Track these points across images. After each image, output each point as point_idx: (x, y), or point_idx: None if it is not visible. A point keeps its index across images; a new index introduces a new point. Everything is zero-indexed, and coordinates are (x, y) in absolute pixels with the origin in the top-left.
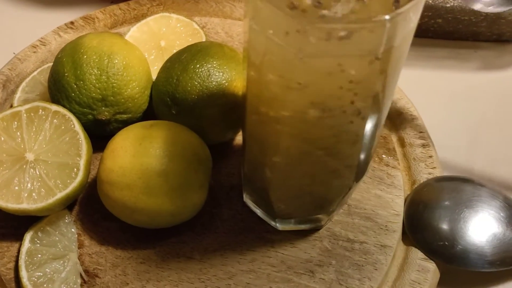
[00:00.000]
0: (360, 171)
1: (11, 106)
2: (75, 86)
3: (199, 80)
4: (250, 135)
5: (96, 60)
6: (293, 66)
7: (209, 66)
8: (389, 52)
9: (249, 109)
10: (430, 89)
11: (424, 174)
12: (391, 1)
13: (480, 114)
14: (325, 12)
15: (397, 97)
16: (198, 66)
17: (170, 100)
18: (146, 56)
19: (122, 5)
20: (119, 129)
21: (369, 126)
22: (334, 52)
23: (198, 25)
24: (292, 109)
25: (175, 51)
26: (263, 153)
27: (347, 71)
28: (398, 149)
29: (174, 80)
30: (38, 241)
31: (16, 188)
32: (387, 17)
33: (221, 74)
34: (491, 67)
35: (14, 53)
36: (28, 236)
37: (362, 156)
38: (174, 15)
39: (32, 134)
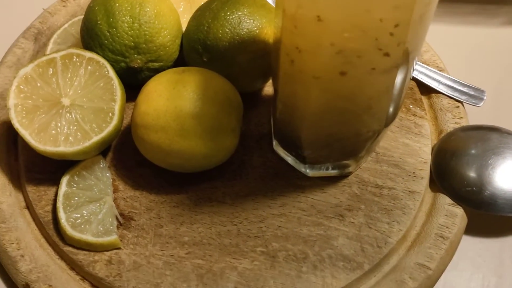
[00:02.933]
0: (389, 118)
1: None
2: (108, 33)
3: (230, 27)
4: (282, 82)
5: (128, 8)
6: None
7: (240, 13)
8: None
9: (282, 57)
10: (456, 44)
11: (451, 124)
12: None
13: (505, 67)
14: None
15: (423, 49)
16: (229, 13)
17: (201, 48)
18: (175, 7)
19: None
20: (150, 77)
21: (400, 75)
22: None
23: None
24: (324, 52)
25: (202, 3)
26: (295, 102)
27: (384, 10)
28: (424, 100)
29: (205, 28)
30: (75, 185)
31: (53, 131)
32: None
33: (252, 21)
34: None
35: (43, 9)
36: (64, 180)
37: (391, 106)
38: None
39: (67, 80)
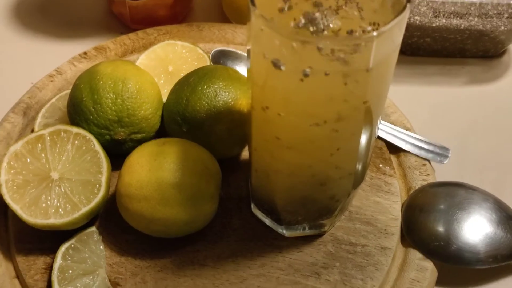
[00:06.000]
0: (357, 179)
1: (32, 131)
2: (93, 109)
3: (207, 100)
4: (255, 150)
5: (112, 85)
6: (293, 86)
7: (216, 87)
8: (378, 65)
9: (254, 126)
10: (422, 103)
11: (418, 181)
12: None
13: (468, 125)
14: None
15: (391, 111)
16: (205, 87)
17: (181, 119)
18: (156, 80)
19: (131, 35)
20: (134, 148)
21: (364, 137)
22: (330, 68)
23: (203, 50)
24: (292, 127)
25: (182, 75)
26: (268, 168)
27: (342, 84)
28: (393, 159)
29: (184, 101)
30: (69, 258)
31: (44, 205)
32: (375, 33)
33: (227, 93)
34: (478, 82)
35: (32, 83)
36: (59, 253)
37: (358, 166)
38: (179, 42)
39: (56, 155)
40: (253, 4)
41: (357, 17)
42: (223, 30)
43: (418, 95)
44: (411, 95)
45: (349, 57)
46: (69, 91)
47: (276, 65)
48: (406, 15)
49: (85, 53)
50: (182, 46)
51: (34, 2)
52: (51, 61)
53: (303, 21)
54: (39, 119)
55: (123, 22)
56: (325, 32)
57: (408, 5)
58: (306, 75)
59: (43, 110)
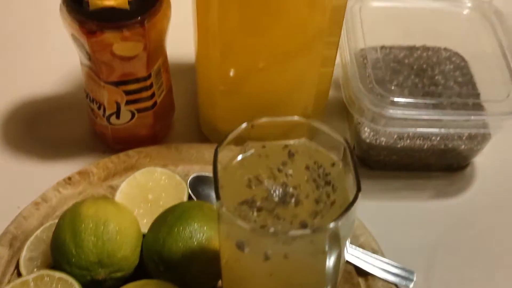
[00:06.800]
0: None
1: (18, 264)
2: (75, 252)
3: (183, 241)
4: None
5: (93, 228)
6: (255, 265)
7: (191, 228)
8: (333, 244)
9: (223, 268)
10: (389, 219)
11: None
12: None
13: (433, 241)
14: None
15: (359, 232)
16: (181, 228)
17: (158, 258)
18: (136, 210)
19: (113, 158)
20: (114, 285)
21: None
22: (289, 251)
23: (180, 176)
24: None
25: (161, 203)
26: None
27: (302, 262)
28: (362, 282)
29: (161, 242)
30: None
31: None
32: (331, 225)
33: (202, 234)
34: (443, 195)
35: (18, 207)
36: None
37: None
38: (158, 169)
39: None
40: (218, 198)
41: (314, 198)
42: (201, 151)
43: (385, 210)
44: (379, 210)
45: (305, 244)
46: (53, 222)
47: (240, 247)
48: (356, 204)
49: (69, 178)
50: (161, 172)
51: (18, 123)
52: (36, 182)
53: (264, 204)
54: (24, 252)
55: (105, 142)
56: (284, 213)
57: (360, 194)
58: (267, 258)
59: (28, 243)
